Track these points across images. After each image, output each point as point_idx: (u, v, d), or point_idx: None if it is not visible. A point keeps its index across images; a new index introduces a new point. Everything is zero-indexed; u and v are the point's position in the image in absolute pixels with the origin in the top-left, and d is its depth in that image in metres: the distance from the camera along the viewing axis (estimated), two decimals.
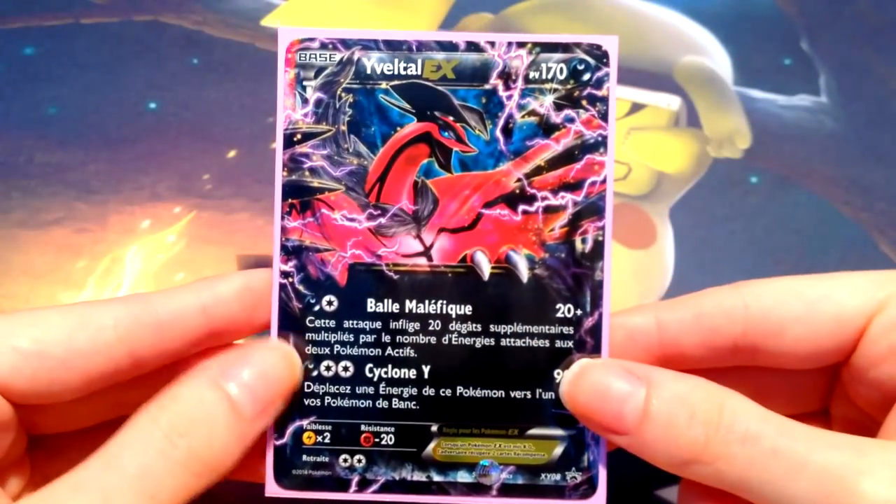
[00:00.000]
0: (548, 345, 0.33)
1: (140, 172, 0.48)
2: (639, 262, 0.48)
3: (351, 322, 0.33)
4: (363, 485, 0.34)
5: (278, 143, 0.33)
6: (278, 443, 0.33)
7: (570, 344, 0.33)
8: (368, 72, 0.33)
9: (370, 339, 0.33)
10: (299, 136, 0.33)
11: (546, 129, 0.33)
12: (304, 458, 0.34)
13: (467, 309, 0.33)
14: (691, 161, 0.49)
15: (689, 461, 0.30)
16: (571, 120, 0.33)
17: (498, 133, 0.33)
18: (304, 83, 0.33)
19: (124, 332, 0.31)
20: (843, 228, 0.48)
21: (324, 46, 0.33)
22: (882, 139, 0.50)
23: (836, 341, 0.32)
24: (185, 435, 0.29)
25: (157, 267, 0.46)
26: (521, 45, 0.33)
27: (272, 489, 0.33)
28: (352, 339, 0.33)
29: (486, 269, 0.33)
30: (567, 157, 0.33)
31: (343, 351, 0.33)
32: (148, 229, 0.47)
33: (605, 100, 0.33)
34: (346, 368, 0.33)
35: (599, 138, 0.33)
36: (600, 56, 0.33)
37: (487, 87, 0.33)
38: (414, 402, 0.34)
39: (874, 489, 0.27)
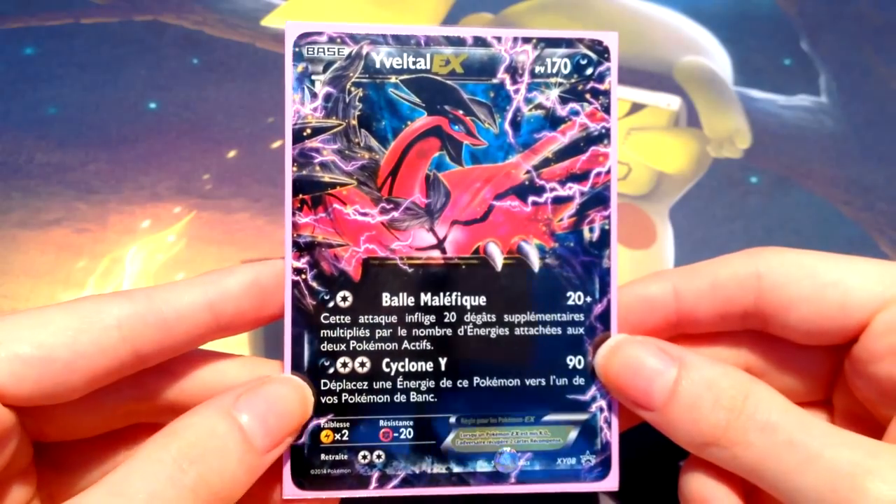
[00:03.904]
0: (560, 332, 0.34)
1: (140, 172, 0.47)
2: (639, 262, 0.48)
3: (366, 317, 0.33)
4: (383, 480, 0.33)
5: (287, 138, 0.33)
6: (296, 443, 0.33)
7: (581, 331, 0.34)
8: (378, 66, 0.33)
9: (386, 333, 0.33)
10: (309, 131, 0.33)
11: (552, 121, 0.34)
12: (323, 457, 0.33)
13: (482, 300, 0.34)
14: (691, 161, 0.50)
15: (708, 443, 0.30)
16: (576, 113, 0.34)
17: (507, 126, 0.33)
18: (313, 77, 0.33)
19: (129, 331, 0.30)
20: (843, 228, 0.49)
21: (332, 41, 0.33)
22: (882, 139, 0.50)
23: (839, 327, 0.32)
24: (195, 462, 0.28)
25: (157, 267, 0.46)
26: (526, 40, 0.34)
27: (290, 492, 0.33)
28: (368, 335, 0.33)
29: (498, 260, 0.33)
30: (573, 149, 0.34)
31: (359, 347, 0.33)
32: (148, 229, 0.47)
33: (607, 93, 0.34)
34: (362, 364, 0.33)
35: (603, 130, 0.34)
36: (602, 51, 0.34)
37: (495, 81, 0.33)
38: (432, 395, 0.34)
39: (879, 489, 0.27)
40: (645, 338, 0.33)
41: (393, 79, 0.33)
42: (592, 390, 0.34)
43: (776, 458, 0.29)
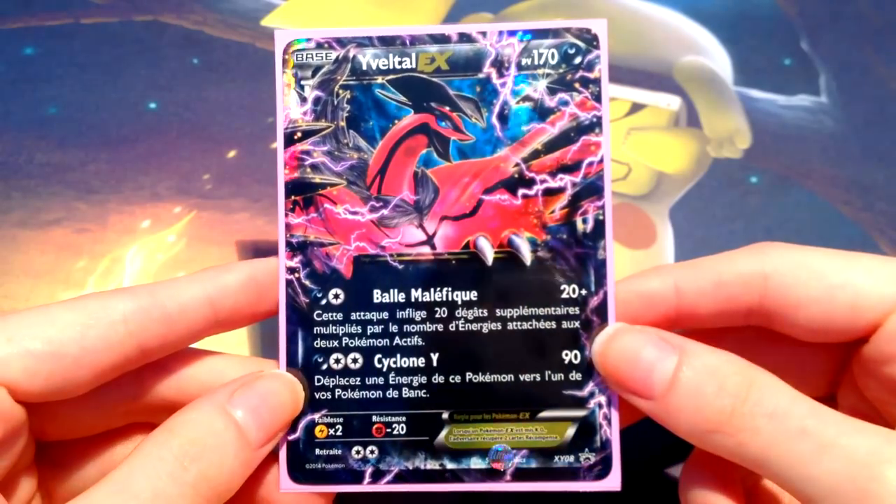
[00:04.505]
0: (554, 326, 0.34)
1: (140, 172, 0.48)
2: (639, 262, 0.48)
3: (358, 314, 0.34)
4: (377, 476, 0.33)
5: (279, 143, 0.34)
6: (291, 438, 0.33)
7: (577, 324, 0.33)
8: (364, 68, 0.34)
9: (378, 329, 0.34)
10: (299, 134, 0.34)
11: (541, 113, 0.34)
12: (317, 451, 0.33)
13: (473, 295, 0.34)
14: (691, 161, 0.49)
15: (712, 430, 0.29)
16: (565, 103, 0.34)
17: (494, 120, 0.33)
18: (302, 83, 0.34)
19: (134, 326, 0.31)
20: (843, 228, 0.48)
21: (320, 46, 0.34)
22: (882, 139, 0.50)
23: (849, 327, 0.31)
24: (196, 460, 0.29)
25: (157, 267, 0.46)
26: (511, 33, 0.34)
27: (287, 485, 0.33)
28: (359, 331, 0.34)
29: (489, 255, 0.33)
30: (563, 140, 0.34)
31: (351, 343, 0.34)
32: (148, 229, 0.47)
33: (597, 81, 0.34)
34: (355, 360, 0.34)
35: (594, 119, 0.34)
36: (590, 39, 0.34)
37: (481, 75, 0.34)
38: (424, 391, 0.34)
39: None
40: (644, 327, 0.32)
41: (379, 79, 0.34)
42: (590, 386, 0.33)
43: (786, 446, 0.28)
